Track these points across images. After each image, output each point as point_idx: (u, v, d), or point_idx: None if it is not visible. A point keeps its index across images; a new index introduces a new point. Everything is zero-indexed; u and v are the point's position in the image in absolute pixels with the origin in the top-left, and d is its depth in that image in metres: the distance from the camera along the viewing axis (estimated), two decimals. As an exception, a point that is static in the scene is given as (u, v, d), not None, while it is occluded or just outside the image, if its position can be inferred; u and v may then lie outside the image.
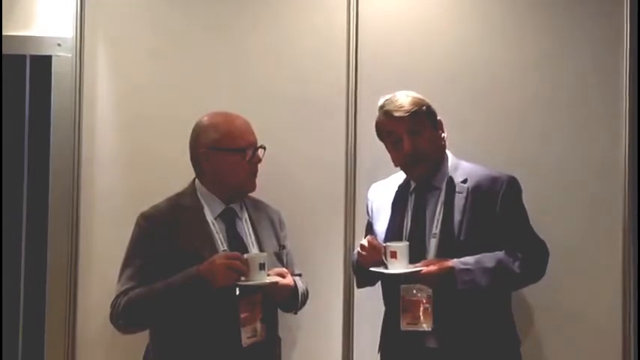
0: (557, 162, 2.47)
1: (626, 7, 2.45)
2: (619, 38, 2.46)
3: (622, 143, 2.45)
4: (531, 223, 2.11)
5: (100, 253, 2.45)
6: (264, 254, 2.01)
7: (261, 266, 1.93)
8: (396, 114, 2.06)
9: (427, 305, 2.01)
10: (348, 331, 2.46)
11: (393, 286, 2.09)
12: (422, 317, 2.02)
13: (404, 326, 2.04)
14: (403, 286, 2.05)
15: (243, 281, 1.92)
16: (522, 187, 2.12)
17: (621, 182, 2.44)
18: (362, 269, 2.13)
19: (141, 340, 2.11)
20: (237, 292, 1.96)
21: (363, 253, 2.07)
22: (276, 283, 1.97)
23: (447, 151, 2.16)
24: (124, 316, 1.97)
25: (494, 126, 2.47)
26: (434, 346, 2.02)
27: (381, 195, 2.25)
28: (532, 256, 2.05)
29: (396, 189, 2.20)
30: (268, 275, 1.97)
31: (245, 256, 1.95)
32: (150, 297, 1.94)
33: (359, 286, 2.26)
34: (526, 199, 2.12)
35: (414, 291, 2.03)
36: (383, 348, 2.19)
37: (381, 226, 2.19)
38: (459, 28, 2.50)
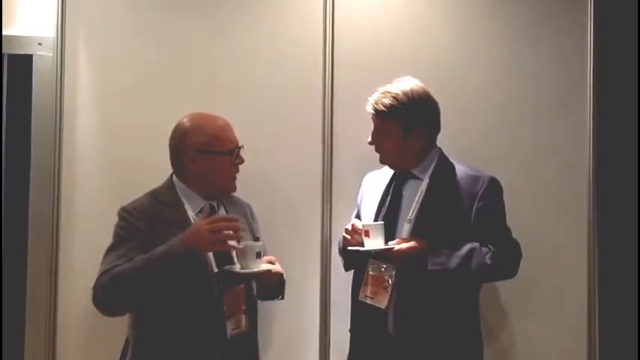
0: (523, 162, 2.54)
1: (590, 10, 2.57)
2: (584, 38, 2.58)
3: (586, 140, 2.55)
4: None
5: (81, 251, 2.45)
6: (260, 243, 2.04)
7: (258, 255, 1.97)
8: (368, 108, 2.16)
9: (387, 284, 2.07)
10: (325, 319, 2.51)
11: (364, 261, 2.16)
12: (380, 293, 2.08)
13: (361, 296, 2.13)
14: (371, 260, 2.12)
15: (241, 269, 1.95)
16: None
17: (585, 181, 2.54)
18: (345, 251, 2.19)
19: (122, 333, 2.11)
20: (223, 284, 1.98)
21: (347, 236, 2.15)
22: (269, 271, 2.02)
23: (438, 145, 2.20)
24: (107, 293, 1.90)
25: (464, 127, 2.53)
26: (392, 332, 2.07)
27: (371, 182, 2.31)
28: (505, 253, 2.10)
29: (390, 177, 2.25)
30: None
31: (242, 244, 1.98)
32: (133, 271, 1.87)
33: (346, 269, 2.31)
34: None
35: (380, 268, 2.10)
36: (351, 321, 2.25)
37: (364, 210, 2.25)
38: (430, 31, 2.57)
